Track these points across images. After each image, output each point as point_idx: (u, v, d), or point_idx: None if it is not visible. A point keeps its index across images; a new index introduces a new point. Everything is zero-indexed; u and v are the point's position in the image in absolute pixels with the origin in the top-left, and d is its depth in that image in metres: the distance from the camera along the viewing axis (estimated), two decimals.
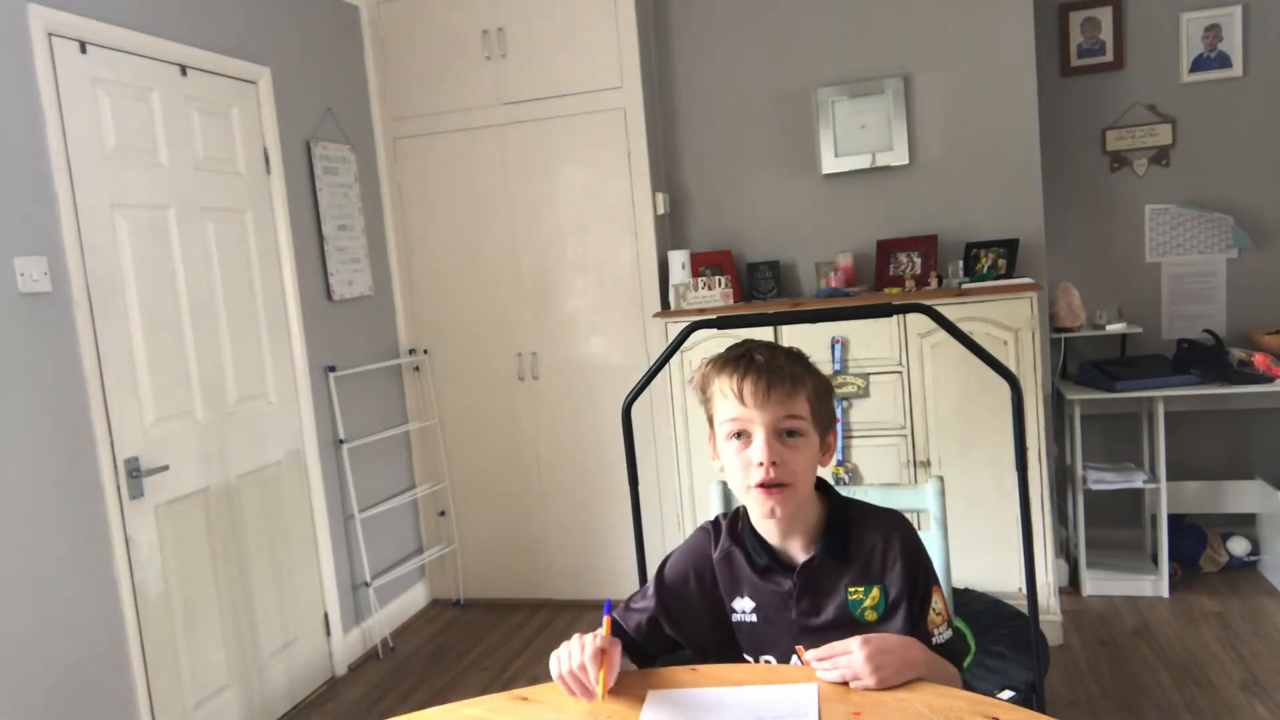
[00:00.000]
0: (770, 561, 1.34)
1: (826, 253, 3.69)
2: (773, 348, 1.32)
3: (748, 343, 1.34)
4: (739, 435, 1.28)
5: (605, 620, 1.28)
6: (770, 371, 1.27)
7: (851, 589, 1.31)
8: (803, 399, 1.28)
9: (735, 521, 1.39)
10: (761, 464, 1.25)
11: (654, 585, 1.41)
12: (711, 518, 1.46)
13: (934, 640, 1.28)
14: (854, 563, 1.32)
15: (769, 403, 1.25)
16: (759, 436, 1.26)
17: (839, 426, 3.25)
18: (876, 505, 1.40)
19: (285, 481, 3.25)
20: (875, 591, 1.30)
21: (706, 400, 1.34)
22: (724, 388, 1.29)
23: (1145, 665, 2.97)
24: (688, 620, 1.39)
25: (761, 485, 1.25)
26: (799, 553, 1.34)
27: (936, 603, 1.31)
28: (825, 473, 1.38)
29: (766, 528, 1.34)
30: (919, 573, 1.31)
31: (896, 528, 1.34)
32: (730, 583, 1.38)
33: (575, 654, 1.21)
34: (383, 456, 3.81)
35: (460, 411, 4.00)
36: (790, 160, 3.73)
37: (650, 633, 1.39)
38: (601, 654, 1.21)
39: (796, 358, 1.33)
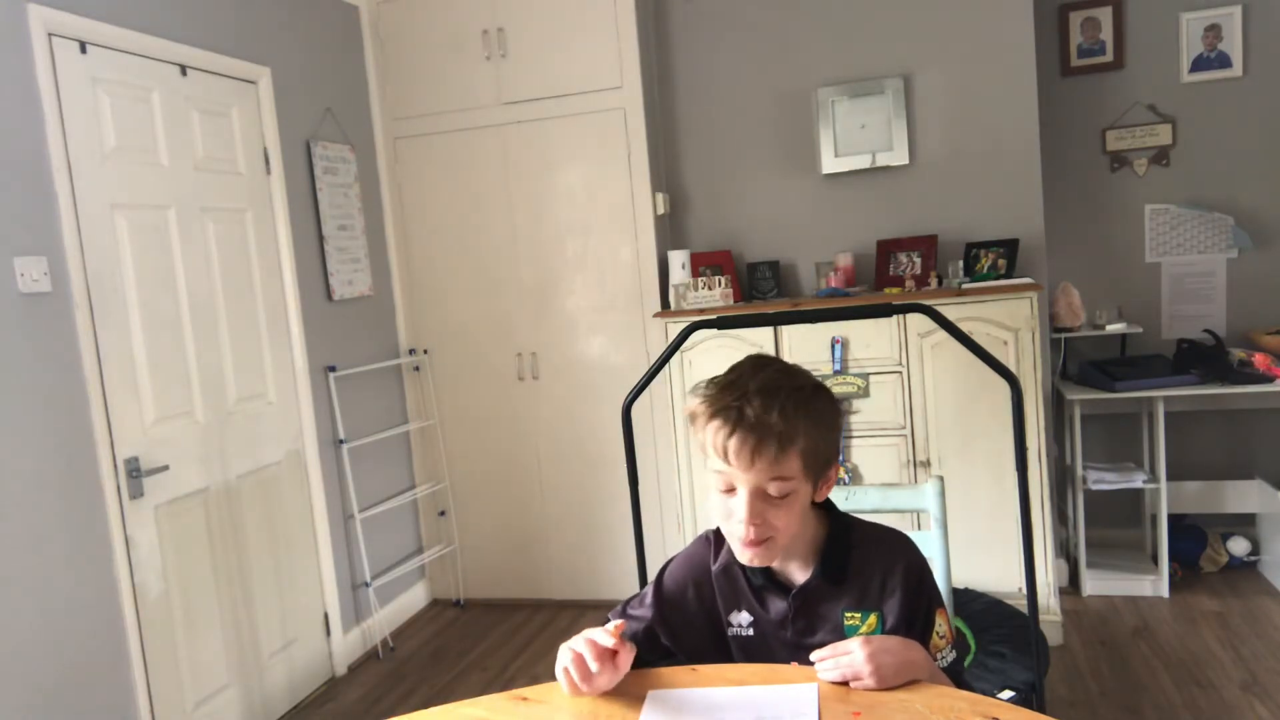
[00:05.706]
0: (766, 582, 1.32)
1: (826, 253, 3.69)
2: (768, 394, 1.18)
3: (743, 383, 1.21)
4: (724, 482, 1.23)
5: (616, 625, 1.25)
6: (759, 430, 1.16)
7: (848, 614, 1.29)
8: (793, 456, 1.18)
9: None
10: (743, 520, 1.21)
11: (653, 594, 1.39)
12: (713, 525, 1.42)
13: (937, 663, 1.25)
14: (852, 587, 1.29)
15: (754, 465, 1.17)
16: (742, 494, 1.20)
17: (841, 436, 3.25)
18: (881, 526, 1.35)
19: (285, 481, 3.25)
20: (872, 618, 1.28)
21: (697, 434, 1.26)
22: (709, 440, 1.21)
23: (1145, 665, 2.97)
24: (684, 632, 1.38)
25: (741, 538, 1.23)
26: (797, 573, 1.32)
27: (940, 626, 1.28)
28: None
29: None
30: (920, 601, 1.28)
31: (901, 554, 1.30)
32: (729, 596, 1.36)
33: (585, 651, 1.21)
34: (383, 456, 3.81)
35: (460, 411, 4.00)
36: (790, 160, 3.73)
37: (646, 642, 1.37)
38: (610, 654, 1.21)
39: (796, 403, 1.19)
